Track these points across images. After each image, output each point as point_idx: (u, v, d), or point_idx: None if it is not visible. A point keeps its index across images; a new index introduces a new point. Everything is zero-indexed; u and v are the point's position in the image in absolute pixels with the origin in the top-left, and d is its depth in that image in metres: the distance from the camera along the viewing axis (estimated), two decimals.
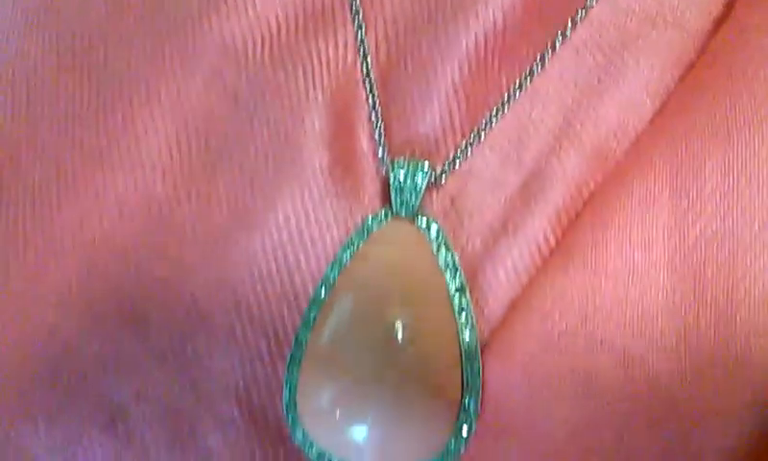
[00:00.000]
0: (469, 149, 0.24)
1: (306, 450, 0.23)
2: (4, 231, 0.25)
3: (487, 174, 0.24)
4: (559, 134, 0.24)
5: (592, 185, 0.23)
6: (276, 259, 0.23)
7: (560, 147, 0.24)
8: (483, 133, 0.24)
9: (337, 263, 0.23)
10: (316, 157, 0.24)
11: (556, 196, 0.23)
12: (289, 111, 0.24)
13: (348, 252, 0.23)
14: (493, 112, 0.24)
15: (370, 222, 0.23)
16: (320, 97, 0.24)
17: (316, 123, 0.24)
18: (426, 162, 0.23)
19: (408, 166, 0.23)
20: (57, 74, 0.26)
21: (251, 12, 0.25)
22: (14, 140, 0.25)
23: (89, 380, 0.23)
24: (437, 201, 0.24)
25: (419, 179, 0.23)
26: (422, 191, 0.23)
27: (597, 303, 0.21)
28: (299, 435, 0.23)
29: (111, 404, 0.23)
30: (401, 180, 0.23)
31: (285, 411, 0.23)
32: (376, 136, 0.24)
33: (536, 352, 0.22)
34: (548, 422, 0.21)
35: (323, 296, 0.23)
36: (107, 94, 0.25)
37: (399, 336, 0.22)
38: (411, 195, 0.23)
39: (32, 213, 0.25)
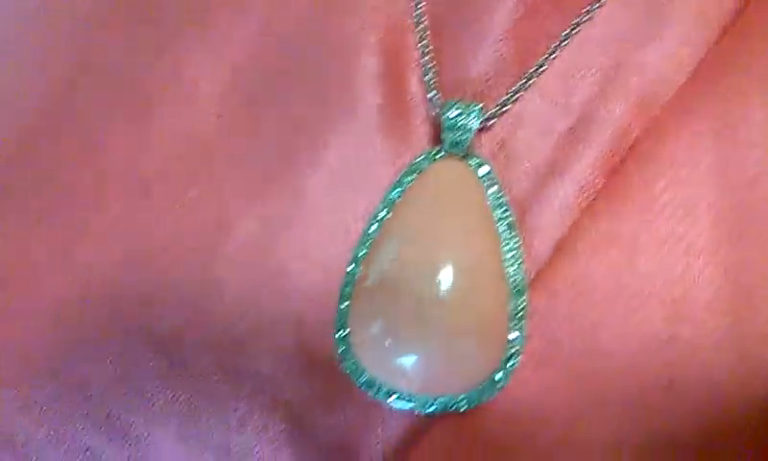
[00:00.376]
0: (519, 93, 0.24)
1: (356, 378, 0.23)
2: (56, 161, 0.25)
3: (535, 118, 0.24)
4: (605, 82, 0.24)
5: (637, 131, 0.24)
6: (326, 196, 0.24)
7: (606, 94, 0.24)
8: (533, 79, 0.24)
9: (387, 201, 0.24)
10: (368, 96, 0.24)
11: (602, 140, 0.24)
12: (340, 53, 0.25)
13: (398, 190, 0.24)
14: (543, 58, 0.24)
15: (420, 161, 0.24)
16: (371, 39, 0.25)
17: (367, 64, 0.25)
18: (480, 104, 0.24)
19: (461, 107, 0.24)
20: (110, 17, 0.27)
21: None
22: (69, 82, 0.26)
23: (138, 310, 0.24)
24: (485, 143, 0.24)
25: (471, 119, 0.24)
26: (474, 132, 0.24)
27: (643, 240, 0.22)
28: (349, 364, 0.23)
29: (163, 333, 0.24)
30: (454, 120, 0.24)
31: (336, 341, 0.24)
32: (427, 79, 0.25)
33: (582, 289, 0.23)
34: (595, 356, 0.22)
35: (372, 232, 0.24)
36: (158, 37, 0.26)
37: (449, 271, 0.23)
38: (462, 135, 0.24)
39: (83, 147, 0.25)
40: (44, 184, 0.25)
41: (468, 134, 0.24)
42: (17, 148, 0.26)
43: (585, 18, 0.25)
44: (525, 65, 0.25)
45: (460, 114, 0.24)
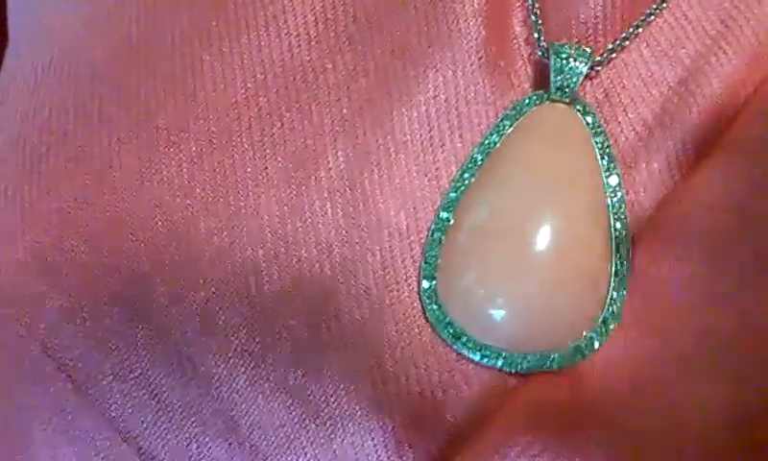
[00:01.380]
0: (626, 42, 0.23)
1: (441, 329, 0.22)
2: (145, 85, 0.24)
3: (642, 68, 0.23)
4: (716, 36, 0.23)
5: (751, 87, 0.23)
6: (420, 134, 0.23)
7: (718, 47, 0.23)
8: (641, 27, 0.23)
9: (485, 145, 0.23)
10: (471, 32, 0.23)
11: (714, 92, 0.22)
12: None
13: (498, 133, 0.23)
14: (652, 8, 0.23)
15: (523, 104, 0.23)
16: None
17: None
18: (590, 49, 0.22)
19: (571, 50, 0.22)
20: None
21: None
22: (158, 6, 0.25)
23: (219, 242, 0.23)
24: (590, 91, 0.23)
25: (580, 64, 0.22)
26: (582, 77, 0.22)
27: (762, 193, 0.21)
28: (435, 314, 0.22)
29: (246, 271, 0.22)
30: (562, 63, 0.22)
31: (422, 289, 0.22)
32: (532, 19, 0.23)
33: (691, 247, 0.21)
34: (700, 325, 0.21)
35: (467, 177, 0.23)
36: None
37: (548, 222, 0.21)
38: (570, 80, 0.22)
39: (174, 64, 0.24)
40: (132, 103, 0.24)
41: (576, 79, 0.22)
42: (113, 65, 0.25)
43: None
44: (634, 14, 0.23)
45: (569, 57, 0.22)
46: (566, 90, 0.22)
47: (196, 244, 0.22)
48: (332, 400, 0.22)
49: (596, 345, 0.22)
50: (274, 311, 0.22)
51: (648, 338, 0.22)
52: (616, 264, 0.22)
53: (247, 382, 0.22)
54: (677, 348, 0.21)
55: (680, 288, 0.21)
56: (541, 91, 0.23)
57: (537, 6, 0.23)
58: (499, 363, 0.22)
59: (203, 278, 0.22)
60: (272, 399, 0.22)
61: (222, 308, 0.22)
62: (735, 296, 0.21)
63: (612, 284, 0.22)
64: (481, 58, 0.23)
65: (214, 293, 0.22)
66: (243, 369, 0.22)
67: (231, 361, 0.22)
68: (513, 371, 0.22)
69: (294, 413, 0.22)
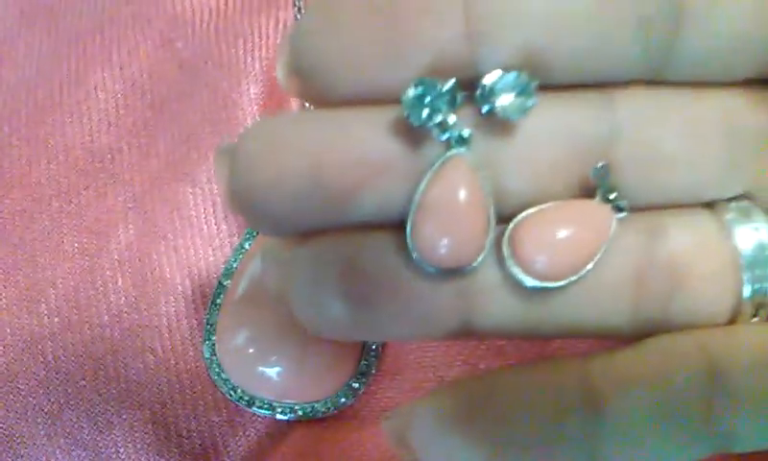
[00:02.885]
0: None
1: (220, 385, 0.24)
2: None
3: None
4: None
5: None
6: (204, 208, 0.26)
7: None
8: None
9: None
10: (249, 116, 0.26)
11: None
12: (228, 77, 0.26)
13: None
14: None
15: None
16: (257, 67, 0.27)
17: (252, 89, 0.26)
18: None
19: None
20: (18, 26, 0.28)
21: None
22: None
23: (19, 310, 0.25)
24: None
25: None
26: None
27: None
28: (214, 371, 0.25)
29: (42, 335, 0.25)
30: None
31: (203, 348, 0.25)
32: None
33: None
34: (432, 369, 0.24)
35: (248, 246, 0.25)
36: (62, 50, 0.28)
37: None
38: None
39: None
40: None
41: None
42: None
43: None
44: None
45: None
46: None
47: None
48: (121, 451, 0.24)
49: (358, 393, 0.24)
50: (68, 373, 0.25)
51: (401, 385, 0.24)
52: None
53: (45, 439, 0.24)
54: (419, 388, 0.24)
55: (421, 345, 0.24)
56: None
57: None
58: (270, 414, 0.24)
59: (2, 344, 0.25)
60: (68, 452, 0.24)
61: (21, 372, 0.25)
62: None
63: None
64: None
65: (14, 359, 0.25)
66: (41, 426, 0.24)
67: (30, 419, 0.24)
68: (285, 419, 0.24)
69: None
